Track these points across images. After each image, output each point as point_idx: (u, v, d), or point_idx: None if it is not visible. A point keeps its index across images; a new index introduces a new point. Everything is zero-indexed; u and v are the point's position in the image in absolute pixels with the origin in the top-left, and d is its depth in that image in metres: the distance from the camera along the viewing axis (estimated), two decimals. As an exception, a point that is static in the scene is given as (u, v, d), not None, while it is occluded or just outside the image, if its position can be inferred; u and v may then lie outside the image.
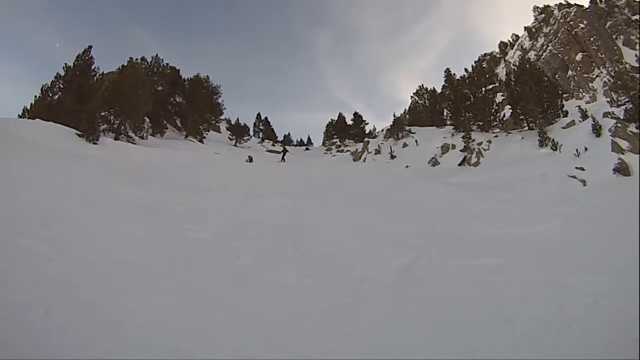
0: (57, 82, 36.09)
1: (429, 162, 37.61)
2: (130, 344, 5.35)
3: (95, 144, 26.32)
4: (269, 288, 8.04)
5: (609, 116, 32.72)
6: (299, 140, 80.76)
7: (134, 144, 34.30)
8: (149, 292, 7.20)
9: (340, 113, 72.33)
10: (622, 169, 24.11)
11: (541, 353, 5.17)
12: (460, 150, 37.47)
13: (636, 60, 59.85)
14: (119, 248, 9.11)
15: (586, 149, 28.33)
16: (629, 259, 8.12)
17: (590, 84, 63.48)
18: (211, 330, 6.12)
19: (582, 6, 75.13)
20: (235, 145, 57.83)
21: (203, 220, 12.50)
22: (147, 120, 45.32)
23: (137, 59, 52.53)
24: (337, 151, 58.64)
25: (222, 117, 62.70)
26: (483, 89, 47.00)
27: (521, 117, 40.58)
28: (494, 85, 52.77)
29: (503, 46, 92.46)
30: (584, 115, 36.57)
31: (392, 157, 42.52)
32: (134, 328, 5.81)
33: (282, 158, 45.71)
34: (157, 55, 57.24)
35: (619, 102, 36.16)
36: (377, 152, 45.87)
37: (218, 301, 7.27)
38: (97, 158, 21.48)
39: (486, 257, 9.38)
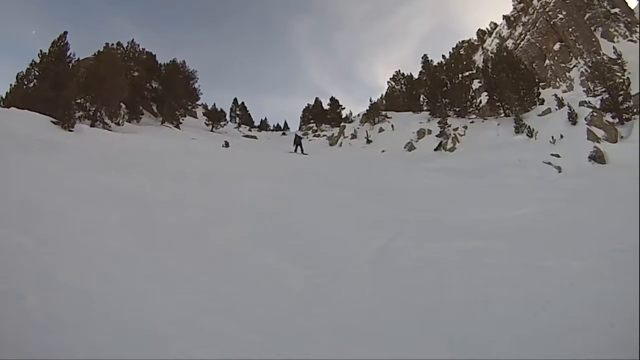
0: (33, 70, 34.59)
1: (405, 147, 37.69)
2: (104, 328, 5.14)
3: (71, 131, 25.61)
4: (249, 271, 7.69)
5: (585, 105, 33.19)
6: (275, 125, 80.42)
7: (110, 130, 33.27)
8: (126, 277, 6.87)
9: (317, 98, 72.38)
10: (597, 157, 24.25)
11: (516, 334, 5.15)
12: (436, 136, 37.58)
13: (614, 52, 60.52)
14: (96, 235, 8.66)
15: (562, 136, 28.49)
16: (605, 244, 7.99)
17: (567, 74, 63.98)
18: (189, 313, 5.90)
19: (562, -4, 75.73)
20: (211, 130, 57.17)
21: (182, 206, 12.06)
22: (123, 106, 44.24)
23: (113, 45, 51.62)
24: (314, 136, 58.70)
25: (199, 102, 61.93)
26: (460, 75, 47.20)
27: (497, 104, 40.94)
28: (471, 72, 53.39)
29: (481, 34, 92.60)
30: (560, 103, 37.37)
31: (368, 141, 42.69)
32: (108, 312, 5.56)
33: (298, 149, 33.70)
34: (132, 40, 55.50)
35: (595, 92, 36.55)
36: (354, 136, 45.96)
37: (197, 285, 6.97)
38: (72, 145, 20.76)
39: (466, 240, 9.04)
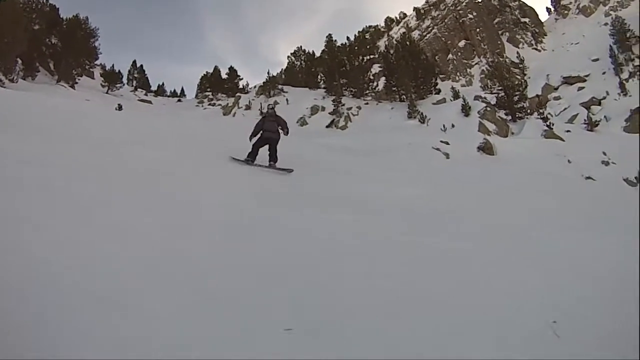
0: None
1: (297, 122, 36.87)
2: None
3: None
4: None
5: (480, 100, 34.01)
6: (172, 92, 77.99)
7: (3, 87, 30.31)
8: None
9: (216, 66, 69.58)
10: (486, 148, 24.60)
11: (378, 286, 5.02)
12: (330, 113, 37.39)
13: (517, 57, 63.37)
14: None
15: (453, 125, 29.08)
16: (487, 224, 9.00)
17: (468, 70, 65.66)
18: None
19: (476, -1, 78.61)
20: (107, 92, 54.16)
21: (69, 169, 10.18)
22: (19, 62, 40.54)
23: (15, -7, 47.16)
24: (209, 104, 56.86)
25: (98, 62, 58.71)
26: (362, 57, 47.40)
27: (394, 89, 41.03)
28: (373, 56, 53.13)
29: (389, 21, 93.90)
30: (456, 95, 38.12)
31: (262, 113, 40.51)
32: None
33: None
34: (36, -10, 51.17)
35: (492, 90, 37.68)
36: (248, 107, 45.43)
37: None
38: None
39: (354, 213, 8.86)
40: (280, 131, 13.27)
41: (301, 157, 15.52)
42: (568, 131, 32.17)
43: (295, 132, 32.03)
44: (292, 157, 14.43)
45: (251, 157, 12.73)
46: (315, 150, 20.18)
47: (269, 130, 13.20)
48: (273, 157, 12.88)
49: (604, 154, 26.04)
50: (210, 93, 62.39)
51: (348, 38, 66.92)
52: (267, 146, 12.94)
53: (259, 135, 13.14)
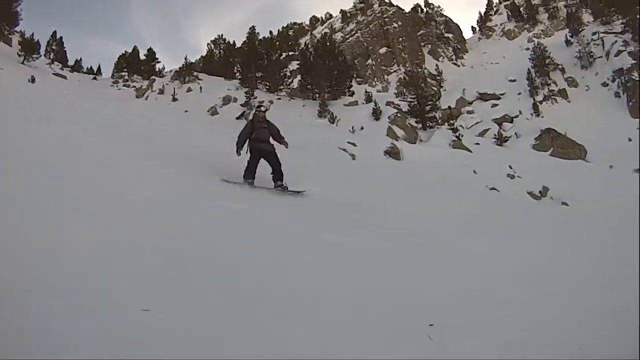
0: None
1: (208, 111, 36.83)
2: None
3: None
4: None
5: (392, 105, 35.17)
6: (89, 68, 74.35)
7: None
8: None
9: (135, 46, 67.75)
10: (393, 153, 24.95)
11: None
12: (241, 105, 37.03)
13: (435, 69, 65.26)
14: None
15: (362, 128, 29.36)
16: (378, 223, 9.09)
17: (386, 76, 66.24)
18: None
19: (403, 10, 79.33)
20: (23, 62, 50.28)
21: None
22: None
23: None
24: (124, 85, 54.84)
25: (18, 28, 55.21)
26: (281, 52, 48.75)
27: (309, 87, 41.45)
28: (293, 53, 53.24)
29: (314, 20, 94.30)
30: (369, 99, 38.74)
31: (174, 99, 41.25)
32: None
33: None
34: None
35: (406, 98, 38.37)
36: (161, 92, 44.56)
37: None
38: None
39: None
40: (272, 141, 10.75)
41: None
42: (477, 144, 33.47)
43: (205, 120, 31.80)
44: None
45: (250, 177, 10.36)
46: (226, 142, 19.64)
47: (261, 140, 10.65)
48: (278, 174, 10.39)
49: (510, 167, 26.71)
50: (126, 73, 60.81)
51: (271, 32, 67.13)
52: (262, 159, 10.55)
53: (247, 147, 10.68)
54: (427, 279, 5.76)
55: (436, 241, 8.22)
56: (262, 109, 11.47)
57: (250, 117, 11.73)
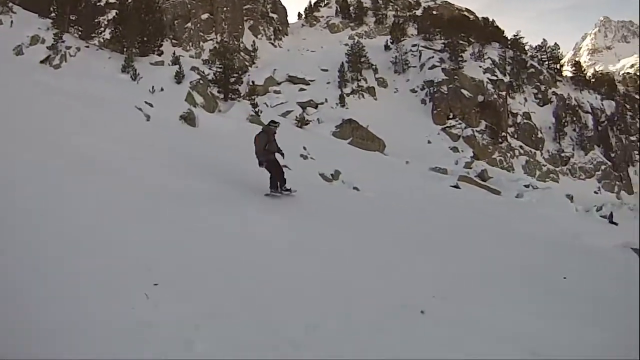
0: None
1: (13, 50, 33.80)
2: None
3: None
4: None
5: (196, 71, 36.03)
6: None
7: None
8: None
9: None
10: (188, 119, 24.80)
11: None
12: (47, 48, 34.80)
13: (252, 45, 67.93)
14: None
15: (162, 89, 29.51)
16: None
17: (202, 43, 65.72)
18: None
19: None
20: None
21: None
22: None
23: None
24: None
25: None
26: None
27: (121, 39, 40.06)
28: (114, 1, 51.02)
29: None
30: (176, 61, 38.94)
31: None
32: None
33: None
34: None
35: (213, 67, 40.68)
36: None
37: None
38: None
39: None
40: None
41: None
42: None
43: (8, 59, 29.80)
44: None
45: (284, 184, 11.95)
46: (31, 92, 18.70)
47: (272, 152, 11.97)
48: (282, 181, 11.99)
49: (304, 148, 27.80)
50: None
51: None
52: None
53: (269, 158, 11.87)
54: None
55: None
56: (277, 124, 12.88)
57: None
